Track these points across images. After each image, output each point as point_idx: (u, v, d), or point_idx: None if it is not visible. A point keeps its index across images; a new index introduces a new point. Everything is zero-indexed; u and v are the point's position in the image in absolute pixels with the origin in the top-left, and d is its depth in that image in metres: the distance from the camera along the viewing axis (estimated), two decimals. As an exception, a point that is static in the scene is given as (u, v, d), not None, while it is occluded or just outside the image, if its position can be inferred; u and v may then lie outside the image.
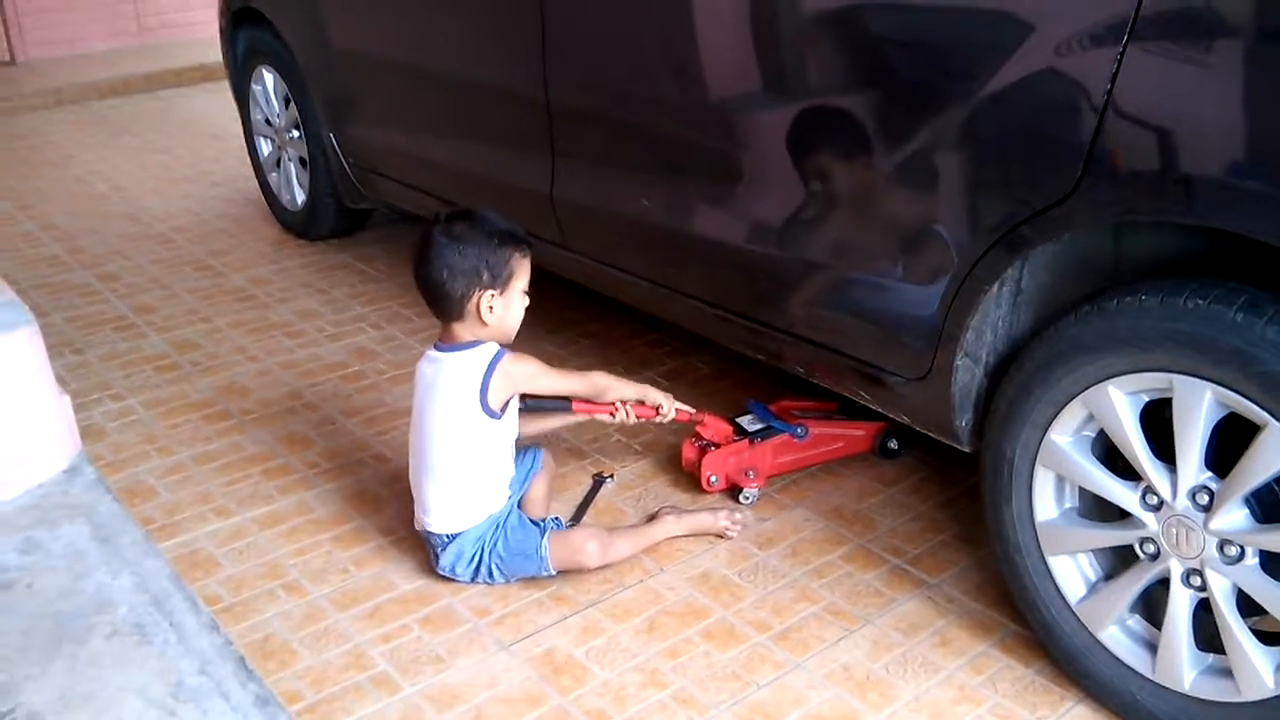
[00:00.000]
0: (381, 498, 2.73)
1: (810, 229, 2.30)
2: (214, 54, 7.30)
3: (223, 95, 6.65)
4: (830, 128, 2.20)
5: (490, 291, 2.31)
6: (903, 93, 2.07)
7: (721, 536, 2.53)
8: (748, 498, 2.64)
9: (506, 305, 2.35)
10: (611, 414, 2.56)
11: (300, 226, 4.50)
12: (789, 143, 2.30)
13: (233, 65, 4.59)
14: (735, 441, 2.67)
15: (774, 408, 2.77)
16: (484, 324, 2.34)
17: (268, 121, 4.46)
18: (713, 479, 2.65)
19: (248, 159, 4.79)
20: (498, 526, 2.38)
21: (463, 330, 2.36)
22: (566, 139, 2.81)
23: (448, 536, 2.38)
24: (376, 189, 3.87)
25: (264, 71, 4.34)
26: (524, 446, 2.55)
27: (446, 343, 2.38)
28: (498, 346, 2.35)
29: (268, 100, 4.39)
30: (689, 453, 2.70)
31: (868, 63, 2.14)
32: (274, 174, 4.56)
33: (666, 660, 2.19)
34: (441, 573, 2.41)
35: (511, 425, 2.42)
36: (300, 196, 4.40)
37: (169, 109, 6.94)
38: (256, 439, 3.03)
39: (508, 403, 2.36)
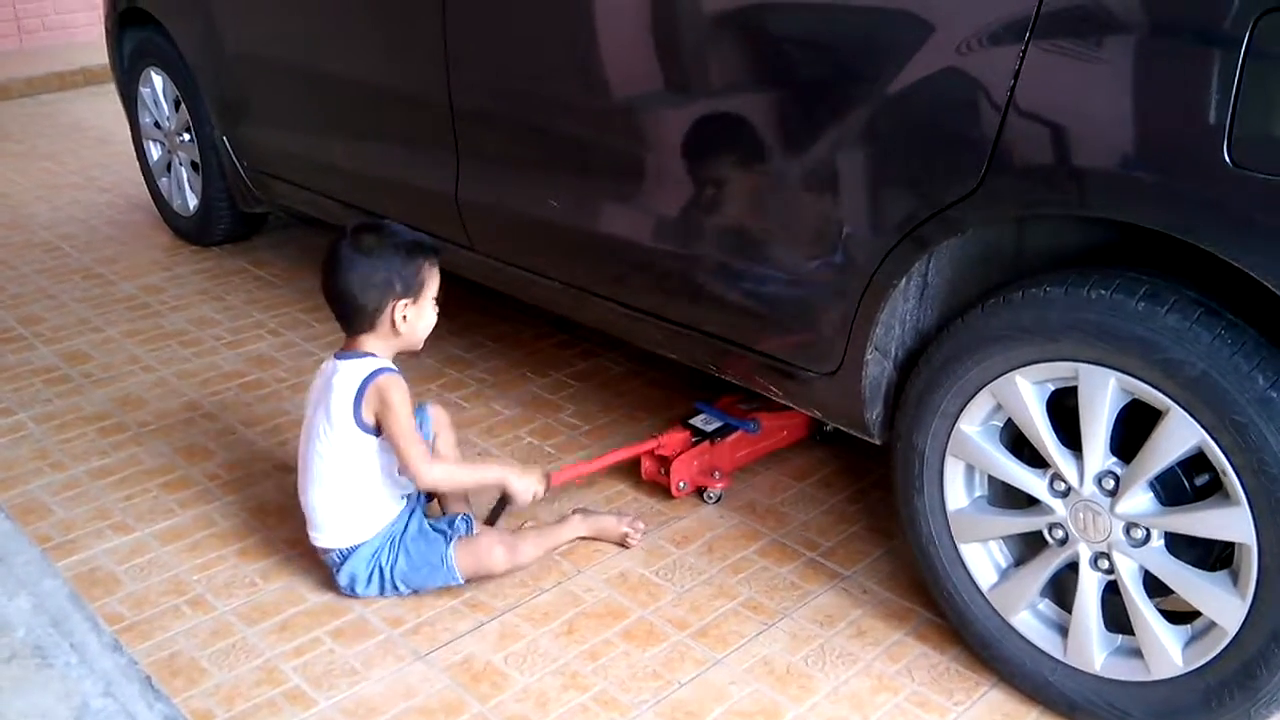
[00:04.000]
0: (286, 509, 2.67)
1: (721, 227, 2.30)
2: (97, 57, 7.11)
3: (108, 99, 6.46)
4: (738, 127, 2.20)
5: (404, 300, 2.29)
6: (806, 93, 2.08)
7: (623, 544, 2.52)
8: (711, 497, 2.65)
9: (419, 314, 2.33)
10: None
11: (193, 232, 4.38)
12: (697, 142, 2.31)
13: (119, 67, 4.45)
14: (695, 445, 2.66)
15: (718, 405, 2.77)
16: (397, 333, 2.31)
17: (157, 125, 4.33)
18: (681, 484, 2.63)
19: (136, 164, 4.65)
20: (393, 543, 2.34)
21: (370, 340, 2.31)
22: (471, 140, 2.78)
23: (339, 554, 2.33)
24: (273, 192, 3.78)
25: (152, 74, 4.21)
26: None
27: (346, 350, 2.34)
28: (384, 362, 2.31)
29: (156, 103, 4.26)
30: (648, 464, 2.68)
31: (774, 63, 2.15)
32: (164, 179, 4.43)
33: (586, 662, 2.18)
34: (344, 592, 2.36)
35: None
36: (192, 201, 4.29)
37: (52, 114, 6.72)
38: (154, 452, 2.94)
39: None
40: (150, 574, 2.45)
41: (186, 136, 4.14)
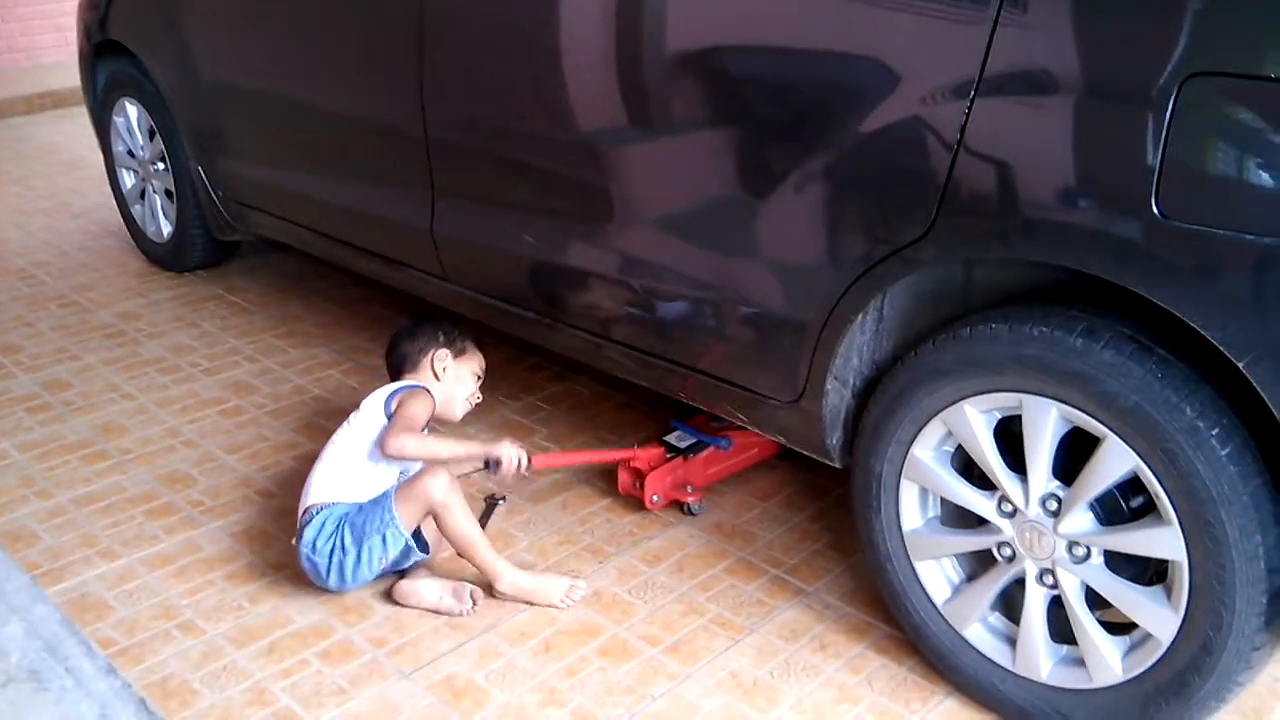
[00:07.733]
0: (270, 533, 2.76)
1: (689, 262, 2.41)
2: (64, 80, 7.13)
3: (76, 122, 6.50)
4: (706, 166, 2.31)
5: (445, 351, 2.73)
6: (771, 135, 2.20)
7: (553, 606, 2.49)
8: (692, 510, 2.78)
9: (457, 376, 2.75)
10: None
11: (167, 259, 4.45)
12: (664, 180, 2.42)
13: (93, 97, 4.51)
14: (669, 460, 2.77)
15: (692, 423, 2.87)
16: (437, 379, 2.71)
17: (131, 154, 4.40)
18: (655, 498, 2.74)
19: (107, 188, 4.71)
20: (360, 507, 2.46)
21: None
22: (446, 175, 2.87)
23: (316, 510, 2.45)
24: (248, 221, 3.86)
25: (126, 104, 4.28)
26: None
27: None
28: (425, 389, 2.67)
29: (131, 132, 4.33)
30: (624, 478, 2.79)
31: (742, 105, 2.25)
32: (138, 206, 4.49)
33: (564, 679, 2.29)
34: (302, 556, 2.44)
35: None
36: (166, 228, 4.35)
37: (21, 138, 6.73)
38: (137, 479, 3.02)
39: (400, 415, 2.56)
40: (140, 599, 2.53)
41: (161, 165, 4.20)
